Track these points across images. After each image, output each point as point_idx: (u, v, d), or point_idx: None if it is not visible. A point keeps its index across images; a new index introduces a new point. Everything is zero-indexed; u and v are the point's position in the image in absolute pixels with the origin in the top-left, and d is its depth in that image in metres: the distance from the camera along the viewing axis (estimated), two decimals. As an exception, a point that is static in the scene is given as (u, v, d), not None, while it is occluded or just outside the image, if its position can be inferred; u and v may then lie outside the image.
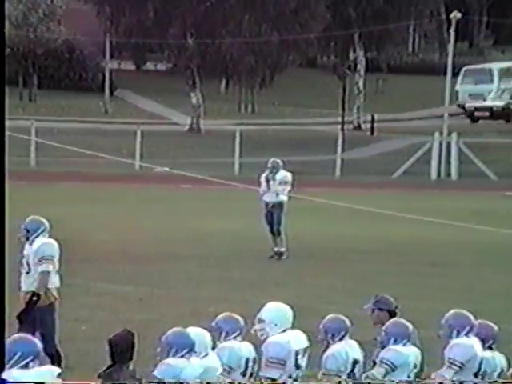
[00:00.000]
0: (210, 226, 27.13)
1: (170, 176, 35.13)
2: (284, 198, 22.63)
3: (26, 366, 8.83)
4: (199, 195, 33.58)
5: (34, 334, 12.95)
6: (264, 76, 55.20)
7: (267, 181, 22.65)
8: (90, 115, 55.02)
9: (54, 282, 13.16)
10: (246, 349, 10.22)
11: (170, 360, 9.67)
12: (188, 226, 27.54)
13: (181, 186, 35.02)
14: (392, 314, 10.76)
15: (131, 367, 9.72)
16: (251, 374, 10.28)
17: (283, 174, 22.63)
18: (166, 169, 32.55)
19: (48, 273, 13.13)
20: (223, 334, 10.19)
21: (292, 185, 22.77)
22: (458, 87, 57.32)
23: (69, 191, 35.18)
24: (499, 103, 58.35)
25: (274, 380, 10.19)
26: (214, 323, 10.23)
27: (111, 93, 60.99)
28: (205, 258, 23.01)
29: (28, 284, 13.30)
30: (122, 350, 9.73)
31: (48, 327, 13.28)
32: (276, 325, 10.37)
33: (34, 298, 13.19)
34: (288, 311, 10.48)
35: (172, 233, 26.40)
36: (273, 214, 22.63)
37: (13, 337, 9.08)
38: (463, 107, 58.41)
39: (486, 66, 61.80)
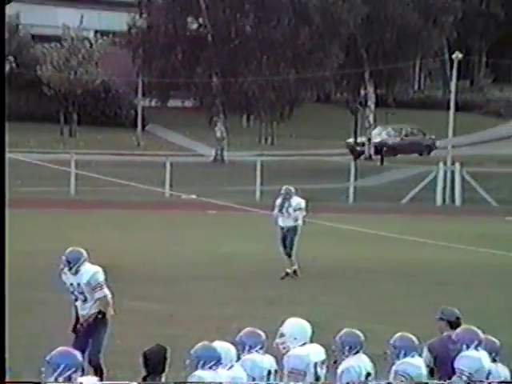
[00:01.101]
0: (233, 249, 27.10)
1: (197, 203, 35.13)
2: (299, 222, 22.50)
3: (69, 378, 8.86)
4: (223, 220, 33.54)
5: (87, 344, 13.21)
6: (283, 111, 55.33)
7: (281, 207, 22.55)
8: (124, 148, 55.15)
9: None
10: (267, 361, 10.23)
11: (199, 372, 9.66)
12: (213, 249, 27.51)
13: (207, 212, 35.01)
14: (452, 325, 11.00)
15: (163, 379, 9.70)
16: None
17: (297, 201, 22.50)
18: (194, 196, 32.60)
19: (106, 296, 13.47)
20: (246, 348, 10.20)
21: (306, 210, 22.67)
22: None
23: (104, 218, 35.21)
24: None
25: None
26: (237, 338, 10.23)
27: (143, 128, 61.23)
28: (228, 278, 22.99)
29: (88, 309, 13.58)
30: (155, 362, 9.72)
31: (99, 339, 13.46)
32: (296, 338, 10.37)
33: (100, 316, 13.40)
34: (306, 326, 10.48)
35: (198, 255, 26.37)
36: (287, 237, 22.53)
37: (57, 350, 9.06)
38: None
39: None
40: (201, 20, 54.40)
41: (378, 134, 58.12)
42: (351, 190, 44.31)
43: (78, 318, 13.66)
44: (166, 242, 29.17)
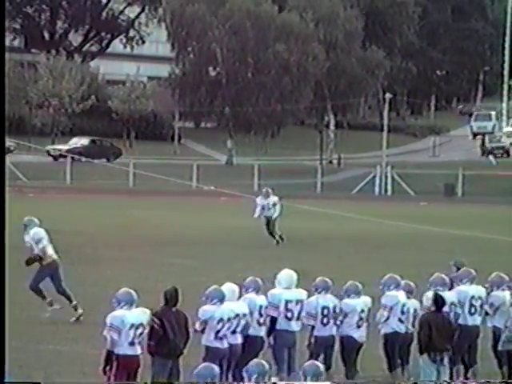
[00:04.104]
0: (237, 223, 26.93)
1: (214, 192, 35.13)
2: (276, 214, 22.14)
3: (127, 308, 8.74)
4: (232, 205, 33.47)
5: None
6: (273, 131, 55.58)
7: (262, 204, 22.07)
8: (165, 155, 54.99)
9: None
10: (260, 299, 9.84)
11: (205, 306, 9.34)
12: (224, 223, 27.40)
13: (220, 199, 34.90)
14: (458, 270, 10.70)
15: (173, 309, 9.13)
16: (261, 315, 9.76)
17: (274, 199, 22.22)
18: (212, 188, 32.53)
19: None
20: (248, 290, 9.82)
21: (280, 204, 22.18)
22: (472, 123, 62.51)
23: (154, 202, 35.09)
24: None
25: (274, 318, 9.97)
26: (243, 283, 9.86)
27: (179, 141, 61.08)
28: (234, 243, 22.85)
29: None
30: (168, 296, 9.18)
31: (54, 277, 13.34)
32: (280, 283, 9.92)
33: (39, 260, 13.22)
34: (292, 275, 9.96)
35: (214, 227, 26.27)
36: (269, 223, 22.17)
37: (122, 289, 8.83)
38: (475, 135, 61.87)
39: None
40: (218, 69, 54.40)
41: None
42: (318, 184, 44.34)
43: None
44: (193, 218, 29.13)
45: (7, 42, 64.49)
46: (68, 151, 47.03)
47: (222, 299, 9.39)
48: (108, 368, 8.74)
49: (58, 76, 54.61)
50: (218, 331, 9.29)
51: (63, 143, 51.32)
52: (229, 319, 9.34)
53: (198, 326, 9.27)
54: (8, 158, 43.73)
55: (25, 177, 42.22)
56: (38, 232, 13.54)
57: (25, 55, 62.41)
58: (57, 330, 12.86)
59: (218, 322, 9.29)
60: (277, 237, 22.27)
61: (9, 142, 47.32)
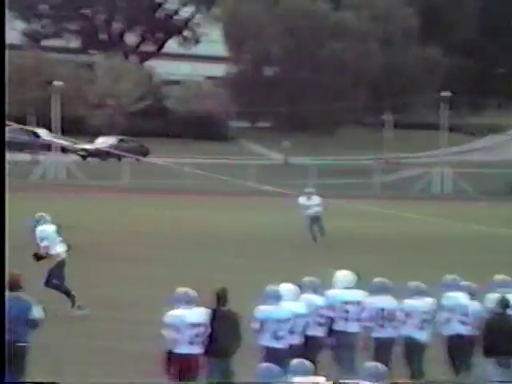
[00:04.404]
0: (291, 219, 26.86)
1: (271, 192, 35.09)
2: (319, 213, 22.20)
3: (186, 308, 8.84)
4: (288, 204, 33.38)
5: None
6: (329, 130, 55.46)
7: (307, 204, 22.22)
8: (222, 154, 55.12)
9: None
10: (318, 299, 9.81)
11: (262, 306, 9.35)
12: (280, 222, 27.37)
13: (275, 198, 34.82)
14: None
15: (224, 308, 9.16)
16: (321, 316, 9.80)
17: (317, 198, 22.31)
18: (268, 187, 32.49)
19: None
20: (306, 290, 9.78)
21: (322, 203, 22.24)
22: None
23: (207, 202, 35.23)
24: None
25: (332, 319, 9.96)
26: (301, 283, 9.83)
27: (235, 141, 61.25)
28: (289, 243, 22.72)
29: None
30: (218, 297, 9.23)
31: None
32: (337, 283, 9.93)
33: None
34: (346, 275, 9.95)
35: (271, 226, 26.26)
36: (314, 222, 22.28)
37: (179, 289, 8.90)
38: None
39: None
40: (273, 68, 54.47)
41: None
42: (375, 184, 44.07)
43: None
44: (249, 218, 29.15)
45: (64, 44, 65.57)
46: (95, 151, 47.15)
47: (279, 299, 9.41)
48: (168, 367, 8.81)
49: (115, 77, 55.25)
50: (275, 331, 9.29)
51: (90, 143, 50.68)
52: (286, 319, 9.33)
53: (254, 326, 9.28)
54: (67, 158, 44.46)
55: (85, 177, 42.82)
56: (44, 230, 13.61)
57: (82, 56, 63.25)
58: (117, 329, 13.00)
59: (275, 322, 9.30)
60: (317, 234, 22.25)
61: (67, 142, 48.06)
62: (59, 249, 13.60)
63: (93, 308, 13.92)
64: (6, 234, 6.17)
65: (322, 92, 52.79)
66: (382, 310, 9.75)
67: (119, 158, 48.99)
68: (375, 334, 9.80)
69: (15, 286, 9.22)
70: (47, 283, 13.63)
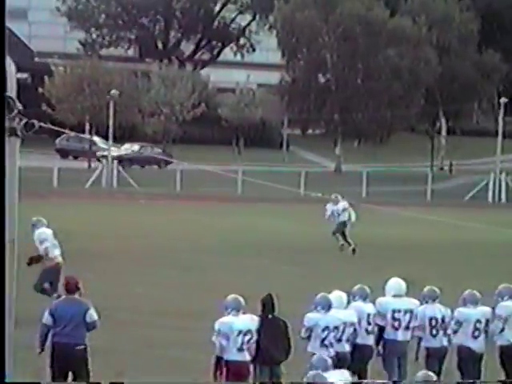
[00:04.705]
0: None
1: (323, 199, 34.95)
2: (345, 218, 21.93)
3: (235, 315, 8.84)
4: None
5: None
6: (382, 137, 55.06)
7: (332, 211, 22.03)
8: (274, 162, 55.22)
9: None
10: (368, 307, 9.79)
11: (310, 314, 9.36)
12: (331, 230, 27.15)
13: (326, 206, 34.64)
14: None
15: (270, 316, 9.17)
16: (370, 323, 9.82)
17: (344, 204, 22.04)
18: (319, 195, 32.39)
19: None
20: (355, 298, 9.80)
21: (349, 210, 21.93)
22: None
23: (259, 210, 35.24)
24: None
25: (382, 327, 9.82)
26: (351, 291, 9.84)
27: (287, 148, 61.29)
28: (339, 251, 22.58)
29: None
30: (264, 304, 9.24)
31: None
32: (388, 291, 9.85)
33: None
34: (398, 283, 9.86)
35: (322, 234, 26.10)
36: (340, 229, 21.93)
37: (230, 296, 8.93)
38: None
39: None
40: (327, 75, 54.35)
41: None
42: (429, 191, 43.59)
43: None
44: (301, 225, 29.07)
45: (122, 52, 66.39)
46: (117, 157, 46.99)
47: (328, 307, 9.42)
48: (218, 373, 8.81)
49: (170, 84, 55.72)
50: (324, 339, 9.25)
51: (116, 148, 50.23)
52: (335, 327, 9.28)
53: (303, 333, 9.26)
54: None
55: (136, 184, 43.23)
56: (42, 232, 13.60)
57: (139, 65, 63.98)
58: (167, 336, 13.06)
59: (324, 330, 9.30)
60: (352, 244, 21.78)
61: (123, 150, 48.53)
62: (56, 252, 13.64)
63: (153, 316, 13.98)
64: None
65: (376, 99, 52.53)
66: (434, 318, 9.63)
67: (143, 165, 49.33)
68: (427, 343, 9.69)
69: (72, 289, 9.28)
70: (36, 286, 13.53)
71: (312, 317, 9.31)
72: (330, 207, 22.28)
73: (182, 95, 55.49)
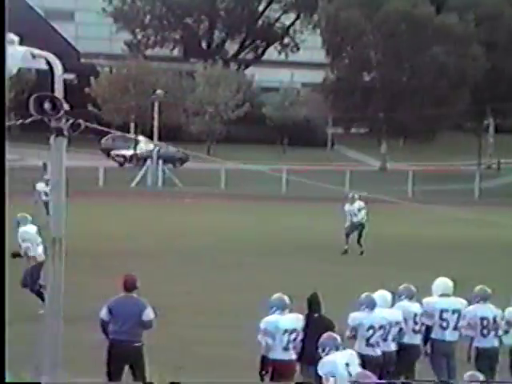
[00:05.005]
0: (391, 230, 26.48)
1: (367, 199, 34.72)
2: (364, 218, 21.47)
3: (281, 313, 8.84)
4: (385, 210, 32.99)
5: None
6: (428, 135, 54.65)
7: (349, 210, 21.50)
8: (318, 161, 55.10)
9: None
10: (414, 306, 9.69)
11: (355, 313, 9.31)
12: (376, 229, 26.93)
13: (373, 205, 34.34)
14: None
15: (316, 315, 9.15)
16: (416, 323, 9.70)
17: (360, 204, 21.51)
18: (365, 193, 32.15)
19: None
20: (401, 297, 9.68)
21: (366, 210, 21.45)
22: None
23: (303, 209, 35.17)
24: None
25: (429, 326, 9.73)
26: (399, 289, 9.72)
27: (332, 147, 61.10)
28: (384, 249, 22.40)
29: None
30: (310, 302, 9.26)
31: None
32: (435, 291, 9.74)
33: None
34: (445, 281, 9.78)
35: (366, 233, 25.92)
36: (357, 228, 21.36)
37: (275, 295, 8.90)
38: None
39: None
40: (372, 74, 54.10)
41: None
42: (476, 190, 43.09)
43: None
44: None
45: (167, 52, 66.84)
46: (132, 156, 47.44)
47: (372, 306, 9.34)
48: (264, 372, 8.81)
49: (215, 84, 55.92)
50: (369, 338, 9.18)
51: (127, 148, 50.28)
52: (380, 327, 9.21)
53: (348, 332, 9.21)
54: (165, 164, 45.24)
55: (182, 183, 43.45)
56: (25, 232, 13.55)
57: (183, 65, 64.30)
58: (212, 334, 13.09)
59: (368, 329, 9.23)
60: (363, 247, 21.28)
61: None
62: (39, 250, 13.63)
63: (196, 314, 14.03)
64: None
65: (422, 97, 52.13)
66: (485, 318, 9.54)
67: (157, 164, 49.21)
68: (477, 344, 9.56)
69: (130, 287, 9.31)
70: (25, 284, 13.57)
71: (356, 316, 9.26)
72: (346, 207, 21.77)
73: (226, 94, 55.64)
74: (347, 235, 21.36)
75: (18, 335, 8.72)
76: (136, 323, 9.12)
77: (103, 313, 9.30)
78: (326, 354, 8.26)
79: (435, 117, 52.39)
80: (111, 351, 9.14)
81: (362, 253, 21.06)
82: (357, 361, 7.89)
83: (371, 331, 9.22)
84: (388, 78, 52.82)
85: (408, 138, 56.44)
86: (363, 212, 21.46)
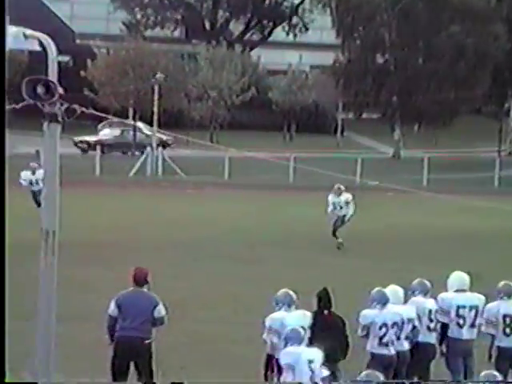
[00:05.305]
0: (405, 220, 26.49)
1: (379, 188, 34.72)
2: (349, 213, 20.78)
3: (287, 310, 8.82)
4: (398, 199, 32.99)
5: None
6: (445, 120, 54.44)
7: (334, 203, 20.88)
8: (327, 148, 55.02)
9: None
10: (429, 303, 9.61)
11: (366, 311, 9.22)
12: (389, 220, 27.05)
13: (386, 194, 34.45)
14: None
15: (326, 312, 9.12)
16: (432, 320, 9.68)
17: (347, 196, 20.99)
18: (376, 183, 32.16)
19: None
20: (415, 293, 9.61)
21: (353, 202, 20.96)
22: None
23: (311, 199, 35.09)
24: None
25: (445, 324, 9.69)
26: (411, 285, 9.66)
27: (341, 134, 61.04)
28: (396, 241, 22.41)
29: None
30: (320, 299, 9.19)
31: None
32: (451, 286, 9.70)
33: None
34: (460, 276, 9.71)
35: (379, 224, 25.98)
36: (339, 221, 20.76)
37: (281, 290, 8.85)
38: None
39: None
40: (386, 56, 53.92)
41: None
42: (496, 178, 42.99)
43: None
44: (356, 215, 28.84)
45: (167, 33, 66.64)
46: (96, 142, 46.35)
47: (384, 302, 9.25)
48: (269, 373, 8.80)
49: (218, 67, 55.78)
50: (382, 337, 9.14)
51: (92, 134, 49.61)
52: (393, 324, 9.17)
53: (359, 331, 9.17)
54: (166, 153, 45.20)
55: (183, 172, 43.44)
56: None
57: (185, 46, 64.13)
58: (215, 330, 13.11)
59: (381, 328, 9.16)
60: (339, 240, 20.80)
61: (166, 137, 48.86)
62: None
63: (202, 310, 14.03)
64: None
65: (439, 79, 51.89)
66: (508, 316, 9.44)
67: (124, 151, 48.41)
68: (498, 343, 9.50)
69: (141, 281, 9.14)
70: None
71: (368, 314, 9.19)
72: (331, 198, 20.95)
73: (230, 78, 55.51)
74: (335, 230, 20.83)
75: (18, 335, 8.71)
76: (147, 319, 8.96)
77: (111, 309, 9.11)
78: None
79: (453, 100, 52.19)
80: (118, 348, 8.95)
81: (339, 246, 20.63)
82: (321, 358, 7.94)
83: (384, 329, 9.16)
84: (403, 60, 52.64)
85: (424, 123, 56.27)
86: (351, 206, 20.98)
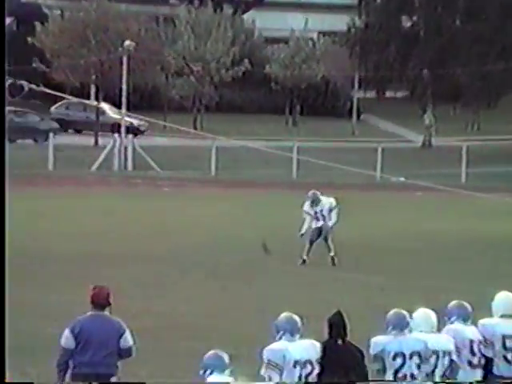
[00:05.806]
0: (436, 227, 26.62)
1: (405, 185, 34.80)
2: (331, 223, 20.45)
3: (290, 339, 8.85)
4: (430, 201, 33.13)
5: None
6: (490, 99, 54.46)
7: (315, 213, 20.36)
8: (340, 136, 55.21)
9: None
10: (470, 331, 9.50)
11: (377, 337, 9.09)
12: (418, 225, 27.17)
13: (414, 194, 34.64)
14: None
15: (340, 342, 8.96)
16: (474, 353, 9.74)
17: (329, 201, 20.65)
18: (402, 179, 32.33)
19: None
20: (452, 318, 9.50)
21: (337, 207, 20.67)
22: None
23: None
24: None
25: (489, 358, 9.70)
26: (446, 309, 9.55)
27: (358, 117, 61.22)
28: (431, 251, 22.58)
29: None
30: (333, 326, 9.01)
31: None
32: (496, 310, 9.62)
33: None
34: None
35: (405, 230, 26.07)
36: (320, 236, 20.38)
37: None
38: None
39: None
40: (414, 18, 54.06)
41: None
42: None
43: None
44: (375, 219, 29.02)
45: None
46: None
47: (401, 327, 9.08)
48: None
49: (203, 34, 55.91)
50: (397, 370, 9.07)
51: None
52: (413, 354, 9.06)
53: (372, 364, 9.13)
54: (137, 141, 45.34)
55: (158, 166, 43.53)
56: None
57: (161, 7, 64.16)
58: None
59: (395, 357, 9.10)
60: (331, 253, 20.54)
61: (138, 121, 48.97)
62: None
63: (183, 340, 14.08)
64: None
65: (483, 47, 51.82)
66: None
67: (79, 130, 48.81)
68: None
69: (102, 303, 9.13)
70: None
71: (379, 341, 9.06)
72: (308, 209, 20.42)
73: (218, 48, 55.66)
74: (311, 242, 20.44)
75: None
76: (113, 352, 8.97)
77: (65, 339, 9.05)
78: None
79: (500, 74, 52.09)
80: None
81: (333, 259, 20.45)
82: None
83: (399, 360, 9.08)
84: (435, 23, 52.72)
85: (462, 103, 56.31)
86: (335, 213, 20.54)
